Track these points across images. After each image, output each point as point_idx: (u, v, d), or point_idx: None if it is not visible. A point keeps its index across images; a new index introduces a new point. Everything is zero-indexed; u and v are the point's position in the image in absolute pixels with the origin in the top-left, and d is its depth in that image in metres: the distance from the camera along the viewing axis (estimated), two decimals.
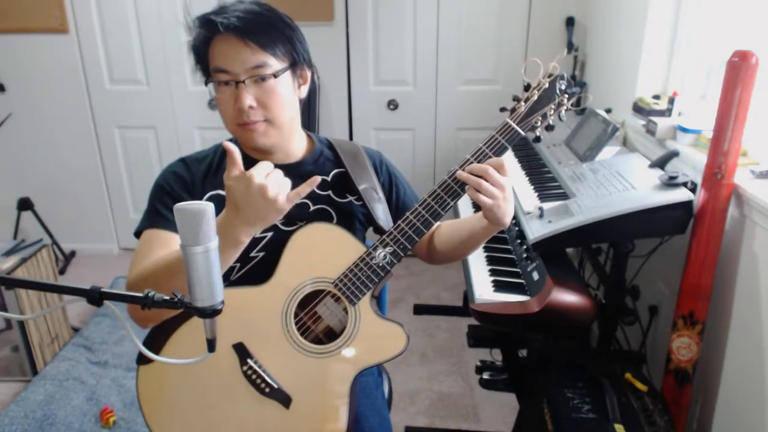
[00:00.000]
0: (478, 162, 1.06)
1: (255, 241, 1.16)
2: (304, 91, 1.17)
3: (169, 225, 1.11)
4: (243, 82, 1.06)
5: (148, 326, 1.08)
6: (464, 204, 2.15)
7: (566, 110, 1.10)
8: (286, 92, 1.11)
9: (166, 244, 1.09)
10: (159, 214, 1.12)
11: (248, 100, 1.06)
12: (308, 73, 1.17)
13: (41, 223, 3.22)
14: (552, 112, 1.09)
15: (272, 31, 1.08)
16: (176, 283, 0.89)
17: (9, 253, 2.34)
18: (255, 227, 0.97)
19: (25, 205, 3.18)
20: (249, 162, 1.18)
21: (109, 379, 2.34)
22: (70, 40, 3.07)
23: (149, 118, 3.25)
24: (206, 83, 1.13)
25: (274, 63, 1.08)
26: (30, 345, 2.34)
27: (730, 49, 1.34)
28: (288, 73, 1.11)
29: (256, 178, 0.91)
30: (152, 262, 1.02)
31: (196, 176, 1.18)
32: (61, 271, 3.29)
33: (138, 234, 1.14)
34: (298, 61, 1.12)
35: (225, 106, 1.10)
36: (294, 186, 1.19)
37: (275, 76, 1.08)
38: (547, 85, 1.08)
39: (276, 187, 0.93)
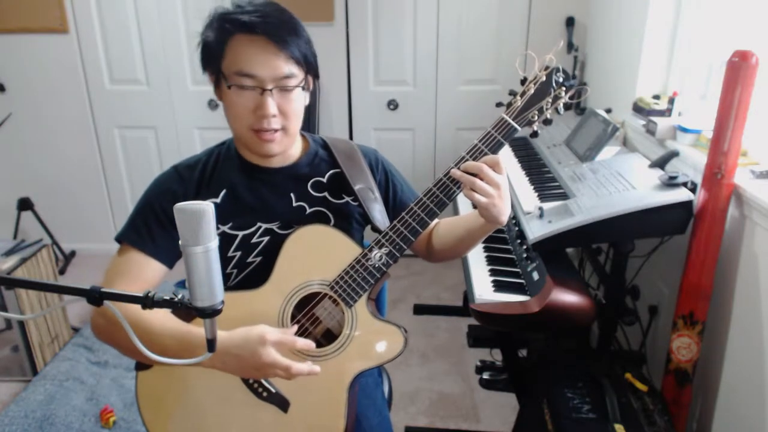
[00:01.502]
0: (474, 159, 1.03)
1: (252, 247, 1.15)
2: (308, 97, 1.15)
3: (147, 247, 1.09)
4: (270, 90, 1.04)
5: (101, 339, 1.08)
6: (465, 200, 2.15)
7: (564, 104, 1.05)
8: (302, 102, 1.11)
9: (141, 269, 1.09)
10: (140, 233, 1.10)
11: (273, 108, 1.05)
12: (313, 81, 1.16)
13: (41, 223, 3.22)
14: (549, 105, 1.04)
15: (299, 41, 1.06)
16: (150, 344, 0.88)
17: (9, 253, 2.34)
18: (226, 368, 1.01)
19: (25, 205, 3.18)
20: (247, 166, 1.18)
21: (109, 379, 2.34)
22: (70, 40, 3.06)
23: (149, 118, 3.25)
24: (216, 83, 1.09)
25: (298, 74, 1.07)
26: (30, 345, 2.34)
27: (730, 49, 1.34)
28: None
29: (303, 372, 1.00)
30: (147, 320, 1.02)
31: (189, 187, 1.15)
32: (61, 271, 3.29)
33: (119, 240, 1.12)
34: (311, 71, 1.12)
35: (241, 109, 1.06)
36: (289, 186, 1.19)
37: (303, 88, 1.09)
38: (544, 78, 1.04)
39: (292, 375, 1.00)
